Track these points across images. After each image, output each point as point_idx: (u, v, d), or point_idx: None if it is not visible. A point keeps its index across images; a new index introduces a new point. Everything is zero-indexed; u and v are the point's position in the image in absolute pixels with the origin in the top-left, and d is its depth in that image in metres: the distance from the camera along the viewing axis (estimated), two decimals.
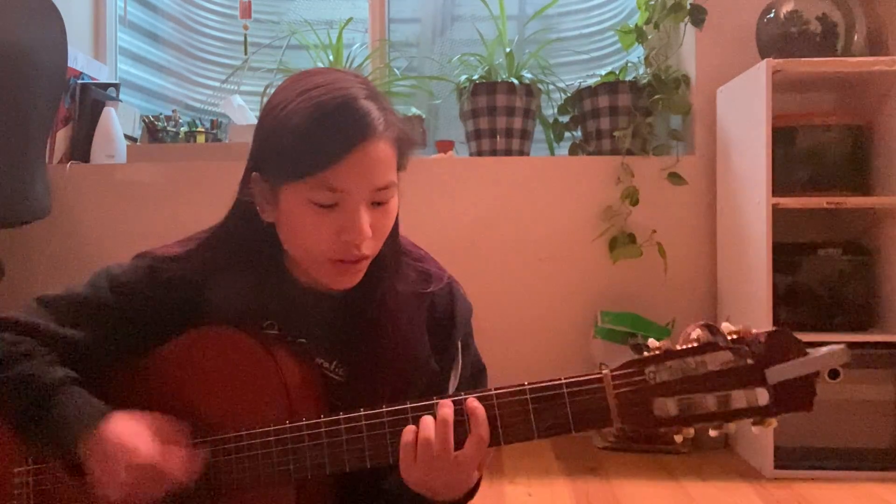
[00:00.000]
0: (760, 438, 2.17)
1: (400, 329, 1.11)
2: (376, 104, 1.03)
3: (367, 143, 1.00)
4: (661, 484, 2.08)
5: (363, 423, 0.99)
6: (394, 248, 1.14)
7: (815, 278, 2.28)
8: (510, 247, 2.62)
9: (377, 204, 1.03)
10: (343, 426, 0.99)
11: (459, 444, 0.95)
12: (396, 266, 1.14)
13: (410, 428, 0.96)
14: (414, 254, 1.19)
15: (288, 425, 1.01)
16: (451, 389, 1.14)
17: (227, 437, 1.03)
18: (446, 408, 0.96)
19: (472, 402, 0.96)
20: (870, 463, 2.13)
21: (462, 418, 0.96)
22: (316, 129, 1.00)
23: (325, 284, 1.08)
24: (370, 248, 1.04)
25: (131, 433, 0.99)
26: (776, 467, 2.12)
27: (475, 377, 1.21)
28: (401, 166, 1.08)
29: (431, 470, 0.95)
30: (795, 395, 0.86)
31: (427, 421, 0.96)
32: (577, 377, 0.95)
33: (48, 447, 1.05)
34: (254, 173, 1.07)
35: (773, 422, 0.87)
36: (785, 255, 2.23)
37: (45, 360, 1.04)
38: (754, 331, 0.87)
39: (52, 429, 1.01)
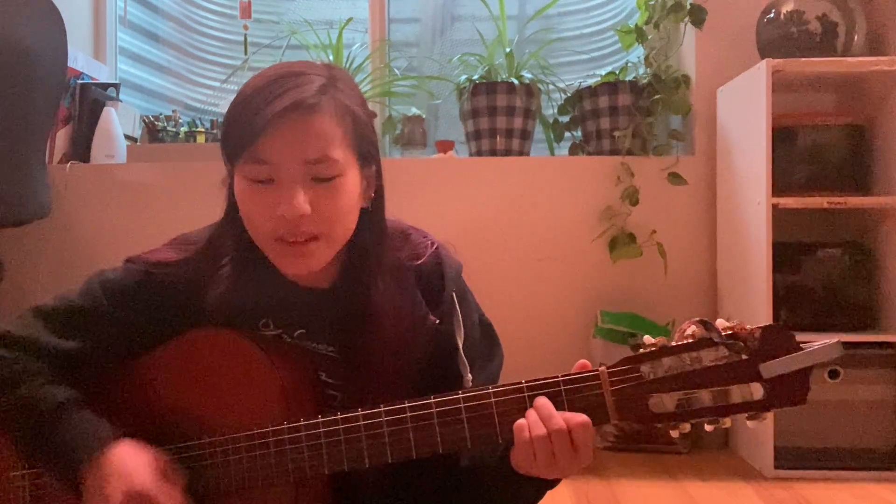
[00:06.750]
0: (760, 439, 2.17)
1: (390, 312, 1.10)
2: (324, 82, 1.03)
3: (296, 114, 0.99)
4: (661, 484, 2.08)
5: (361, 423, 0.99)
6: (377, 239, 1.13)
7: (815, 278, 2.27)
8: (510, 247, 2.62)
9: (318, 181, 1.02)
10: (341, 426, 0.99)
11: None
12: (379, 259, 1.12)
13: (521, 425, 0.94)
14: (398, 235, 1.18)
15: (286, 426, 1.01)
16: (460, 343, 1.13)
17: (224, 439, 1.03)
18: (541, 399, 0.94)
19: (540, 399, 0.95)
20: (870, 463, 2.13)
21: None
22: (247, 103, 1.02)
23: (284, 271, 1.07)
24: (315, 226, 1.02)
25: (130, 461, 1.00)
26: (776, 467, 2.12)
27: (486, 337, 1.20)
28: (360, 153, 1.07)
29: (556, 462, 0.93)
30: (790, 390, 0.86)
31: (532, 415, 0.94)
32: (574, 374, 0.95)
33: (51, 470, 1.05)
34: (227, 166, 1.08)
35: (768, 416, 0.87)
36: (785, 255, 2.23)
37: (44, 380, 1.04)
38: (749, 326, 0.88)
39: (55, 453, 1.02)
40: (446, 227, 2.59)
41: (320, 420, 1.00)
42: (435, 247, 1.17)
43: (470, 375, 1.11)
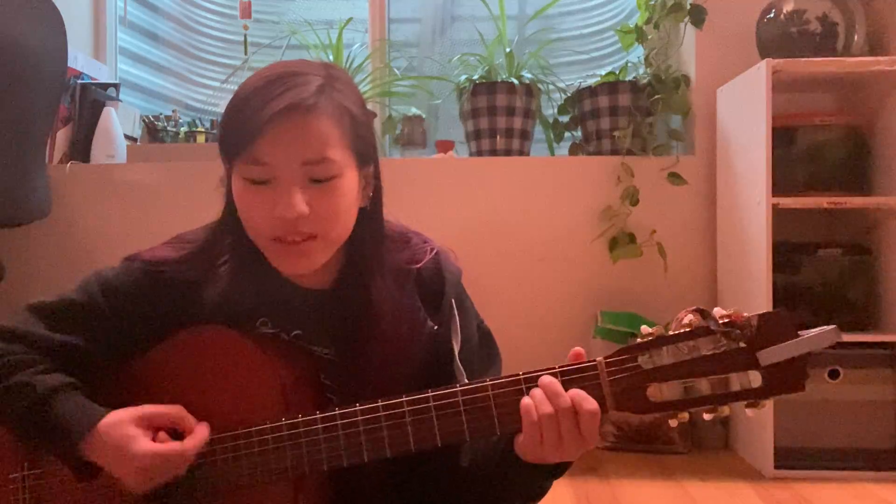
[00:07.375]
0: (760, 439, 2.16)
1: (389, 315, 1.10)
2: (322, 83, 1.02)
3: (294, 115, 0.99)
4: (661, 484, 2.07)
5: (359, 417, 0.98)
6: (376, 239, 1.13)
7: (815, 278, 2.27)
8: (510, 247, 2.61)
9: (316, 181, 1.01)
10: (339, 421, 0.99)
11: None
12: (378, 259, 1.12)
13: (528, 405, 0.93)
14: (398, 238, 1.18)
15: (284, 422, 1.01)
16: (457, 349, 1.12)
17: (224, 436, 1.03)
18: (547, 378, 0.94)
19: (545, 378, 0.94)
20: (870, 463, 2.12)
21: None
22: (245, 104, 1.01)
23: (281, 270, 1.07)
24: (312, 226, 1.02)
25: (127, 424, 1.00)
26: (776, 467, 2.11)
27: (485, 345, 1.20)
28: (358, 153, 1.06)
29: (562, 443, 0.93)
30: (787, 377, 0.86)
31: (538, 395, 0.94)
32: (571, 365, 0.95)
33: (52, 452, 1.05)
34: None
35: (767, 404, 0.87)
36: (785, 255, 2.23)
37: (39, 369, 1.04)
38: (746, 314, 0.88)
39: (52, 435, 1.02)
40: (446, 227, 2.61)
41: (318, 416, 0.99)
42: (435, 252, 1.16)
43: (466, 381, 1.10)
